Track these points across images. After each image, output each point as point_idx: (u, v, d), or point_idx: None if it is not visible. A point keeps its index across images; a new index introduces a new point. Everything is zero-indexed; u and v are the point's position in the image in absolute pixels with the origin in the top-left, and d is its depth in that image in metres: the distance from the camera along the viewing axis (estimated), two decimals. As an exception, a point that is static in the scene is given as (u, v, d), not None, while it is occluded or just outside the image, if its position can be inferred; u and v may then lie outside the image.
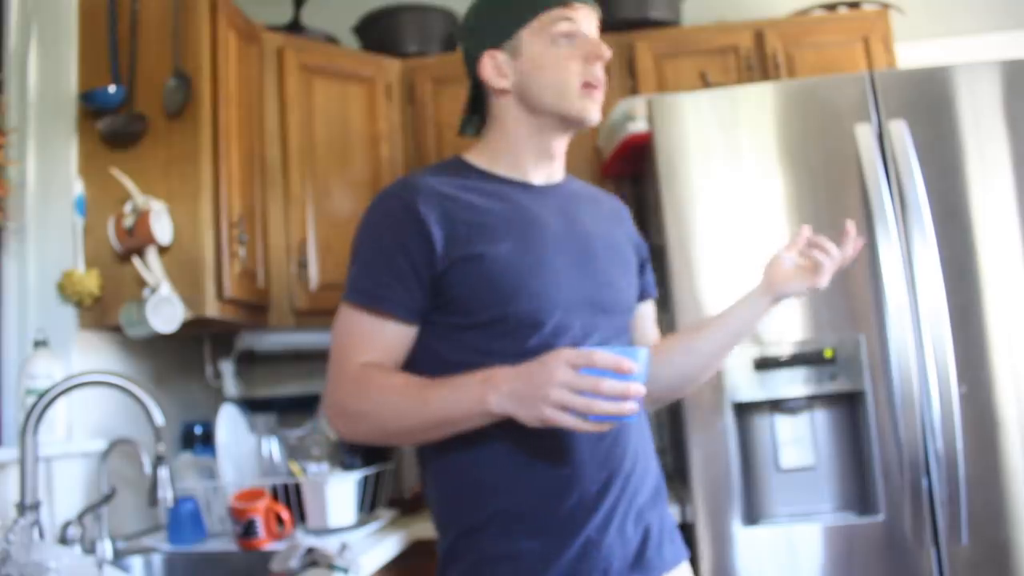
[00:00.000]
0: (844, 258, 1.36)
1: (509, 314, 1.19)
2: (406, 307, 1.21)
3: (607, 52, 1.26)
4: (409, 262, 1.20)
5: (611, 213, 1.43)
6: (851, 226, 1.37)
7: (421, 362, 1.23)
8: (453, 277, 1.20)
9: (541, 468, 1.18)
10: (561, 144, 1.34)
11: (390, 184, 1.30)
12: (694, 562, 1.86)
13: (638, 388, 1.01)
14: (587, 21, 1.28)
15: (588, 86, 1.26)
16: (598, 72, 1.26)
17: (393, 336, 1.22)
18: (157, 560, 1.87)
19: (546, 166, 1.34)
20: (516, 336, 1.19)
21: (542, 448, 1.18)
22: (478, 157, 1.34)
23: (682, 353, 1.39)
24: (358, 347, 1.21)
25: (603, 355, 1.01)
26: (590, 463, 1.19)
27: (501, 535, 1.17)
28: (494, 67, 1.29)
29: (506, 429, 1.11)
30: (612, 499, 1.20)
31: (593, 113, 1.27)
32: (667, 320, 2.00)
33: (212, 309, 1.98)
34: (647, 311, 1.47)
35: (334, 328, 1.26)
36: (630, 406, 1.01)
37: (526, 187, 1.31)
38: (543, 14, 1.25)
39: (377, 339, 1.21)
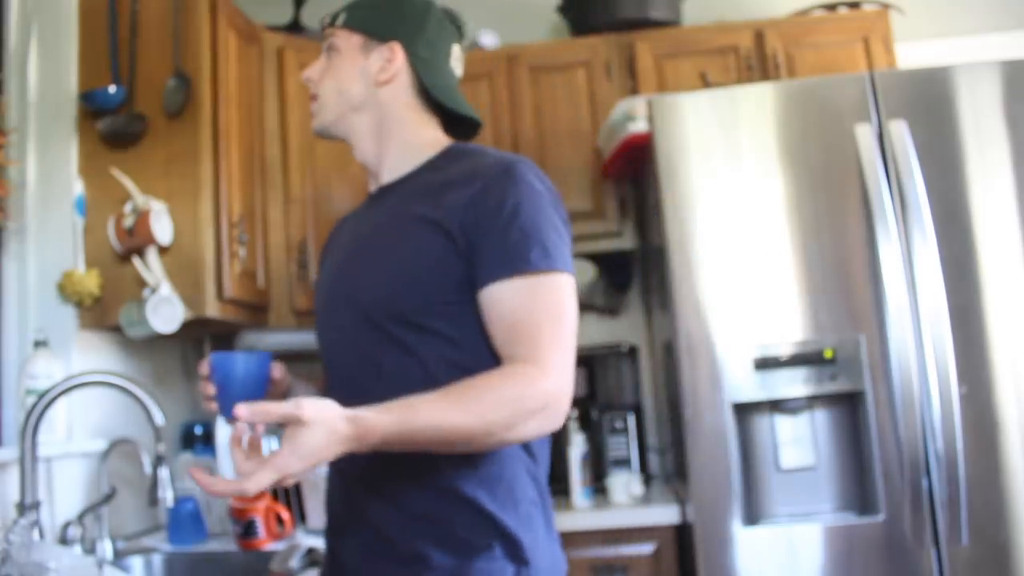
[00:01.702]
0: None
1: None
2: None
3: (305, 72, 1.30)
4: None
5: (437, 190, 1.17)
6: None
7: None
8: None
9: None
10: (355, 156, 1.31)
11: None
12: (693, 562, 1.86)
13: (206, 390, 1.16)
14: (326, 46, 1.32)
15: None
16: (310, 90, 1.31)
17: None
18: (157, 560, 1.87)
19: (370, 177, 1.31)
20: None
21: None
22: None
23: None
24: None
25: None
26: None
27: None
28: None
29: None
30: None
31: (312, 126, 1.32)
32: (668, 320, 2.00)
33: (212, 309, 1.98)
34: (483, 306, 1.10)
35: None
36: (211, 405, 1.17)
37: (372, 195, 1.31)
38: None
39: None
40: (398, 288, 1.12)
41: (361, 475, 1.14)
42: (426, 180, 1.20)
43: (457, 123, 1.33)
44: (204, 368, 1.16)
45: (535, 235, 1.08)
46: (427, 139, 1.26)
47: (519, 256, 1.07)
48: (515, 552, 1.08)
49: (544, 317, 1.06)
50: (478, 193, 1.11)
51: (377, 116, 1.26)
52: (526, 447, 1.14)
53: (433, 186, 1.17)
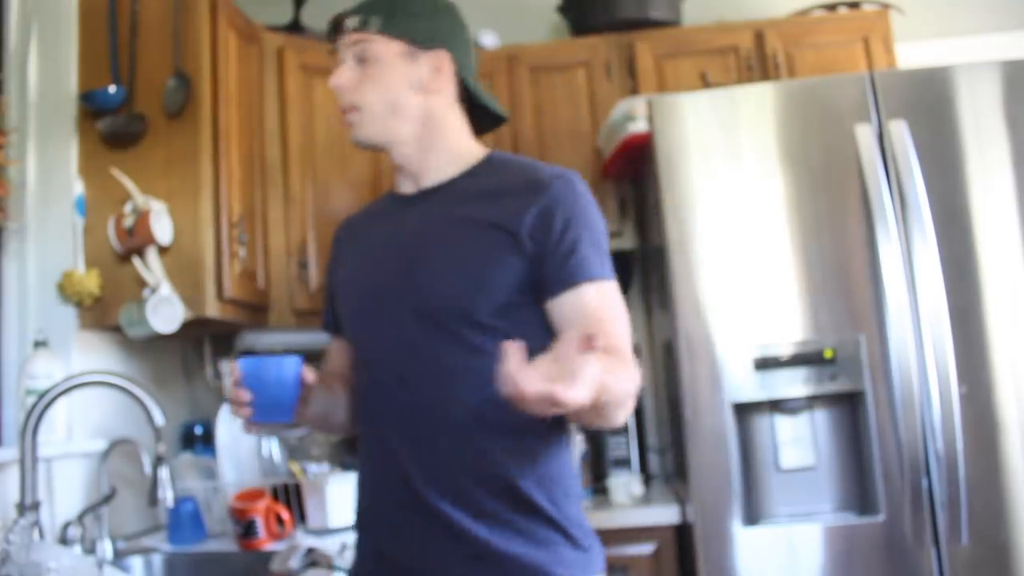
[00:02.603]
0: None
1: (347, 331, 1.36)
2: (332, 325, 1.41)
3: (334, 80, 1.27)
4: (329, 287, 1.41)
5: (484, 197, 1.23)
6: None
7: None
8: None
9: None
10: (392, 158, 1.30)
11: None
12: (694, 562, 1.86)
13: (242, 395, 1.13)
14: (344, 51, 1.28)
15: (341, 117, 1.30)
16: (339, 100, 1.28)
17: (334, 345, 1.41)
18: (157, 560, 1.87)
19: (405, 175, 1.31)
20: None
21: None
22: None
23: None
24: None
25: (232, 366, 1.16)
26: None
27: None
28: None
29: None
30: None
31: (350, 136, 1.29)
32: (668, 320, 2.00)
33: (212, 309, 1.98)
34: (563, 309, 1.18)
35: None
36: (244, 411, 1.14)
37: (400, 198, 1.32)
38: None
39: (332, 347, 1.40)
40: (470, 291, 1.17)
41: (427, 476, 1.16)
42: (476, 186, 1.25)
43: (476, 118, 1.36)
44: (235, 373, 1.14)
45: (601, 246, 1.20)
46: (469, 145, 1.31)
47: (592, 265, 1.17)
48: (575, 542, 1.17)
49: (617, 317, 1.18)
50: (548, 206, 1.18)
51: (425, 123, 1.27)
52: (568, 445, 1.24)
53: (488, 192, 1.22)
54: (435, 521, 1.15)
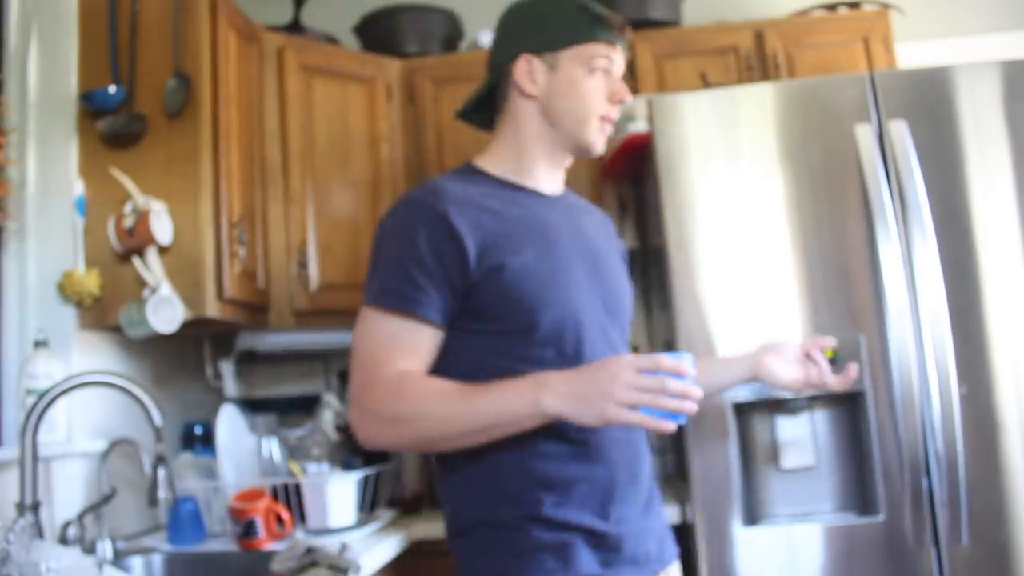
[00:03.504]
0: (829, 383, 1.48)
1: (537, 322, 1.24)
2: (440, 311, 1.23)
3: (629, 97, 1.35)
4: (443, 268, 1.21)
5: (602, 225, 1.49)
6: (854, 370, 1.48)
7: (448, 366, 1.25)
8: (483, 286, 1.23)
9: (579, 467, 1.25)
10: (568, 160, 1.40)
11: (416, 190, 1.31)
12: (694, 562, 1.86)
13: (697, 391, 1.10)
14: (620, 63, 1.36)
15: (604, 120, 1.34)
16: (616, 112, 1.36)
17: (426, 340, 1.24)
18: (157, 560, 1.87)
19: (555, 176, 1.39)
20: (547, 342, 1.24)
21: (580, 450, 1.25)
22: (490, 163, 1.38)
23: None
24: (391, 352, 1.21)
25: (667, 360, 1.09)
26: (620, 464, 1.27)
27: (545, 527, 1.23)
28: (529, 71, 1.34)
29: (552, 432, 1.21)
30: (633, 498, 1.29)
31: (601, 146, 1.37)
32: (667, 320, 2.00)
33: (212, 309, 1.98)
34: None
35: (360, 333, 1.25)
36: (690, 404, 1.10)
37: (540, 196, 1.36)
38: (591, 44, 1.32)
39: (410, 344, 1.22)
40: (631, 304, 1.44)
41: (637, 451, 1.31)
42: (585, 208, 1.47)
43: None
44: (673, 365, 1.10)
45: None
46: None
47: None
48: None
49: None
50: (613, 229, 1.51)
51: None
52: None
53: (597, 221, 1.47)
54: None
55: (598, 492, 1.24)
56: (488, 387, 1.16)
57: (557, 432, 1.21)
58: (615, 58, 1.34)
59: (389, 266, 1.24)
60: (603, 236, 1.45)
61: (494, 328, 1.24)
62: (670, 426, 1.09)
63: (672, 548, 1.38)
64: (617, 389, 1.08)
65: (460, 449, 1.22)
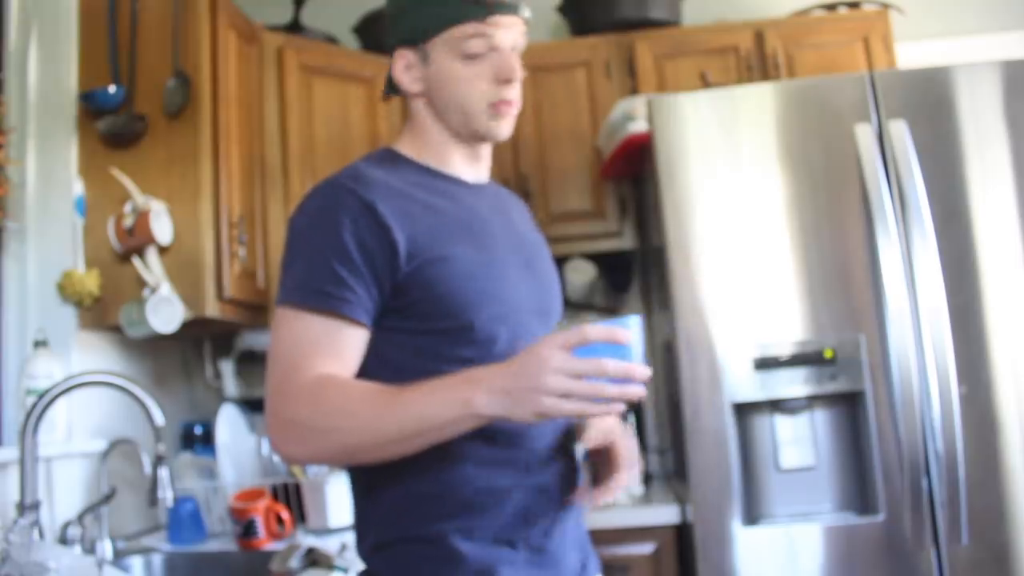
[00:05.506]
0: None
1: (472, 321, 1.12)
2: (365, 309, 1.09)
3: (518, 73, 1.18)
4: (368, 261, 1.08)
5: (527, 214, 1.37)
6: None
7: (371, 370, 1.11)
8: (413, 283, 1.10)
9: (504, 478, 1.14)
10: (482, 148, 1.26)
11: (335, 175, 1.18)
12: (693, 562, 1.86)
13: (642, 368, 0.94)
14: (509, 33, 1.18)
15: (498, 105, 1.18)
16: (509, 93, 1.18)
17: (350, 341, 1.09)
18: (157, 560, 1.87)
19: (473, 166, 1.26)
20: (480, 341, 1.12)
21: (506, 460, 1.14)
22: (411, 148, 1.26)
23: None
24: (311, 355, 1.06)
25: (594, 328, 0.94)
26: (547, 475, 1.18)
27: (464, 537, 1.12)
28: (405, 67, 1.23)
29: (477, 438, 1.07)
30: (560, 510, 1.19)
31: (502, 131, 1.21)
32: (667, 320, 2.00)
33: (212, 309, 1.98)
34: None
35: (275, 334, 1.10)
36: (633, 389, 0.94)
37: (465, 185, 1.24)
38: (455, 28, 1.16)
39: (332, 345, 1.07)
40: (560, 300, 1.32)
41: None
42: (507, 196, 1.35)
43: None
44: (620, 336, 0.96)
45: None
46: None
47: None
48: None
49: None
50: (532, 217, 1.38)
51: None
52: None
53: (521, 209, 1.36)
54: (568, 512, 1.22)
55: (524, 504, 1.14)
56: (415, 388, 1.01)
57: (484, 439, 1.09)
58: (495, 33, 1.16)
59: (309, 259, 1.10)
60: (531, 227, 1.34)
61: (423, 328, 1.12)
62: (616, 408, 0.96)
63: (595, 560, 1.28)
64: (547, 377, 0.93)
65: (383, 461, 1.07)
